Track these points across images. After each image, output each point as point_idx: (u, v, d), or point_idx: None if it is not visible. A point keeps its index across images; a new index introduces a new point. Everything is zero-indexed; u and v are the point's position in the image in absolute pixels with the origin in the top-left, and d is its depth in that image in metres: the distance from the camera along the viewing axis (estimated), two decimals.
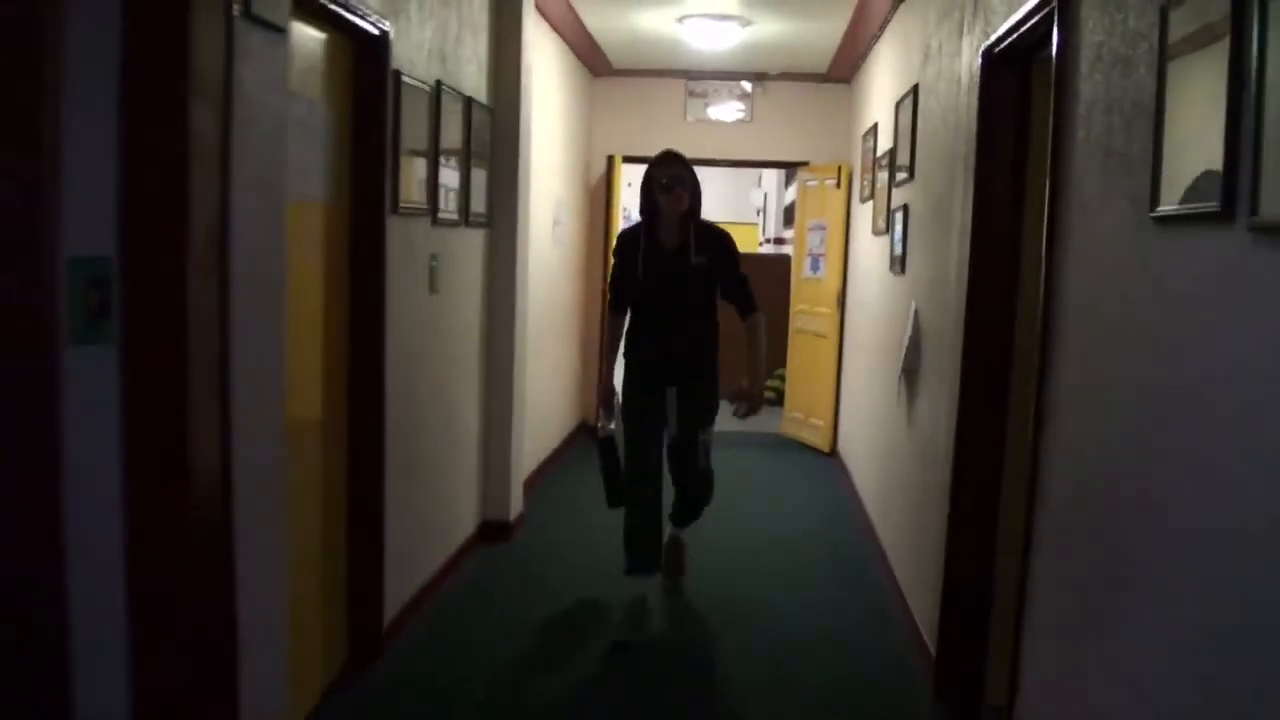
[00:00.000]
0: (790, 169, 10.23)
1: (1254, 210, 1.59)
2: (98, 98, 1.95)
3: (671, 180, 4.12)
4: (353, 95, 3.40)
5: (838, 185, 7.67)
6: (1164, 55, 1.95)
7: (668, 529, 4.57)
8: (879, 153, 5.94)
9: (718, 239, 4.24)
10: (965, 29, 3.79)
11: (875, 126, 6.21)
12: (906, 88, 5.03)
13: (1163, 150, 1.94)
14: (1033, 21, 2.86)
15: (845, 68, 7.55)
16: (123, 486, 2.06)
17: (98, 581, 2.01)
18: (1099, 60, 2.34)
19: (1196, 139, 1.80)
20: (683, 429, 4.26)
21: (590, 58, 7.61)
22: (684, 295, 4.18)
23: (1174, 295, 1.90)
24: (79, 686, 1.95)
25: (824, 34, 6.63)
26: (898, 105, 5.26)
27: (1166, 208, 1.91)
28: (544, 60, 6.10)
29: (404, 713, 3.39)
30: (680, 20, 6.31)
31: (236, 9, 2.19)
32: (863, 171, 6.84)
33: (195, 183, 2.06)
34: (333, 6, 3.02)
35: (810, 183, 8.18)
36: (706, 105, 8.28)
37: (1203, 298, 1.79)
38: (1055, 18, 2.62)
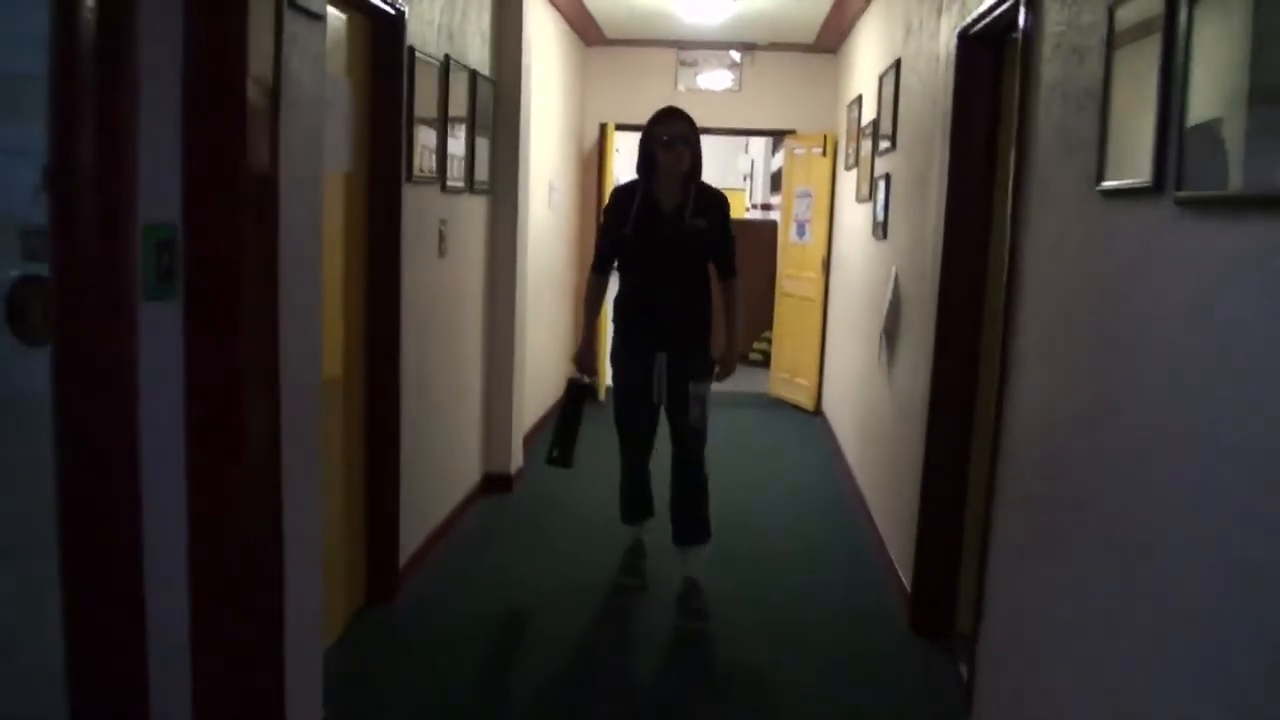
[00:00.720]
0: (778, 137, 10.44)
1: (1179, 186, 1.85)
2: (165, 81, 2.19)
3: (673, 137, 3.89)
4: (371, 71, 3.63)
5: (824, 154, 7.92)
6: (1110, 46, 2.21)
7: (676, 553, 4.32)
8: (863, 123, 6.18)
9: (716, 202, 4.06)
10: (944, 9, 4.03)
11: (860, 98, 6.44)
12: (889, 61, 5.27)
13: (1108, 131, 2.21)
14: (1004, 7, 3.11)
15: (832, 39, 7.77)
16: (186, 426, 2.32)
17: (165, 502, 2.27)
18: (1058, 48, 2.59)
19: (1135, 122, 2.06)
20: (673, 384, 4.04)
21: (584, 28, 7.80)
22: (678, 258, 3.99)
23: (1115, 259, 2.17)
24: (149, 590, 2.23)
25: (811, 6, 6.84)
26: (881, 78, 5.50)
27: (1109, 183, 2.17)
28: (539, 31, 6.30)
29: (418, 644, 3.67)
30: None
31: None
32: (848, 140, 7.08)
33: (251, 157, 2.31)
34: None
35: (797, 151, 8.42)
36: (697, 74, 8.49)
37: (1137, 261, 2.06)
38: (1022, 6, 2.87)
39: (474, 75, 4.75)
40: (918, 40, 4.58)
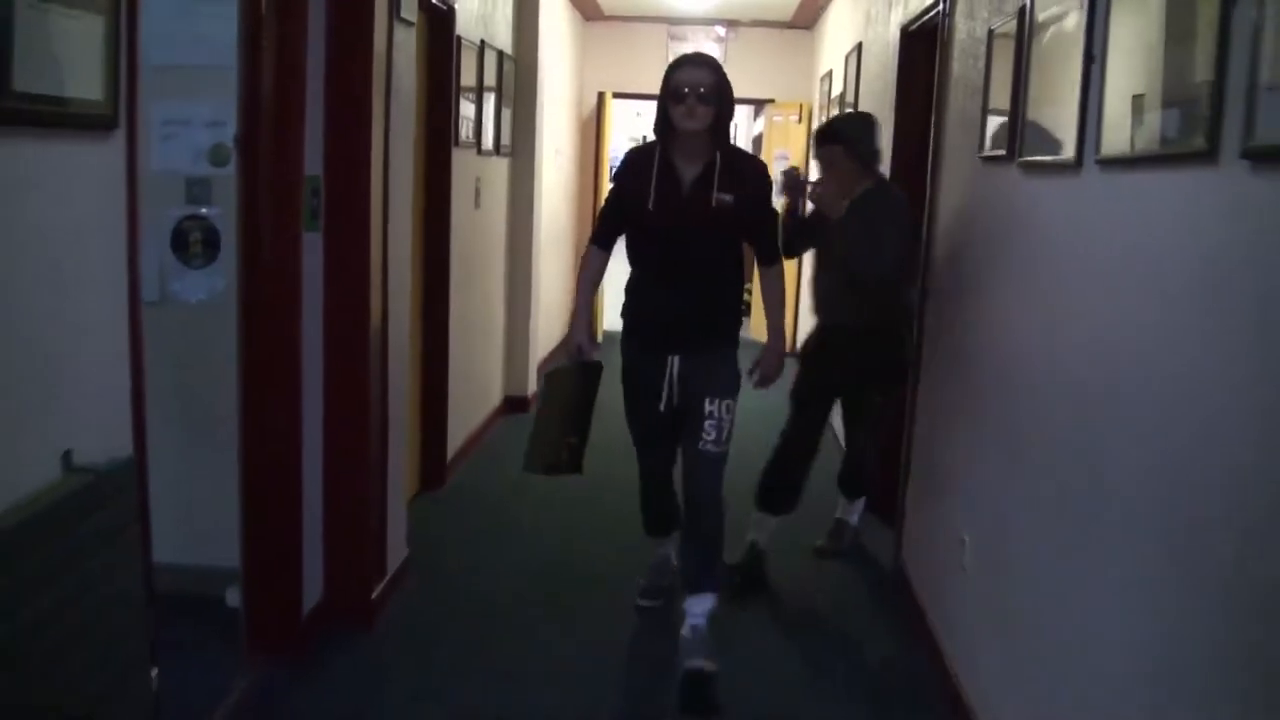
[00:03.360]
0: (759, 105, 11.28)
1: (1020, 154, 2.76)
2: (315, 74, 3.06)
3: (694, 88, 3.11)
4: (428, 57, 4.49)
5: (799, 120, 8.80)
6: (990, 54, 3.11)
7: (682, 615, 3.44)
8: (833, 95, 7.06)
9: (750, 171, 3.28)
10: (893, 4, 4.91)
11: (830, 72, 7.32)
12: (854, 43, 6.15)
13: (985, 115, 3.11)
14: (931, 14, 4.00)
15: (807, 17, 8.62)
16: (324, 322, 3.22)
17: (311, 376, 3.17)
18: (962, 52, 3.49)
19: (999, 108, 2.96)
20: (687, 397, 3.28)
21: (584, 4, 8.63)
22: (701, 240, 3.22)
23: (990, 205, 3.08)
24: (305, 453, 3.14)
25: None
26: (847, 57, 6.38)
27: (985, 152, 3.08)
28: (547, 10, 7.14)
29: (463, 516, 4.59)
30: None
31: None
32: (820, 109, 7.96)
33: (374, 130, 3.19)
34: None
35: (776, 118, 9.29)
36: (685, 47, 9.34)
37: (1001, 205, 2.97)
38: (941, 17, 3.76)
39: (500, 55, 5.61)
40: (875, 28, 5.46)
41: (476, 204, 5.28)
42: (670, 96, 3.16)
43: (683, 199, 3.21)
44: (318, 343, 3.20)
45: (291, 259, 3.00)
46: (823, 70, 7.91)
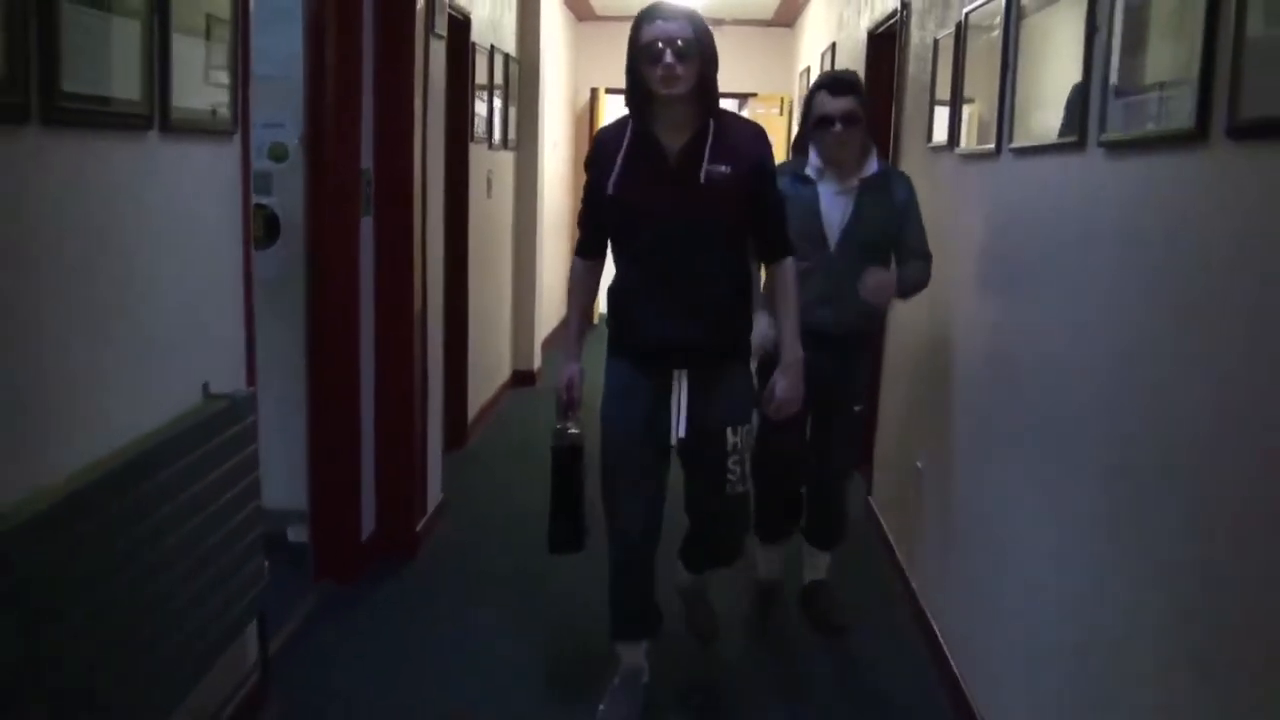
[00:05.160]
0: (743, 99, 11.84)
1: (958, 145, 3.33)
2: (366, 82, 3.61)
3: (669, 42, 2.53)
4: (448, 61, 5.03)
5: (780, 113, 9.37)
6: (936, 58, 3.68)
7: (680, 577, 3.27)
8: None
9: (749, 139, 2.73)
10: (861, 9, 5.48)
11: (808, 69, 7.89)
12: (828, 43, 6.72)
13: (933, 110, 3.68)
14: (892, 21, 4.56)
15: (787, 15, 9.18)
16: (374, 292, 3.78)
17: (365, 340, 3.73)
18: (915, 55, 4.06)
19: (943, 102, 3.53)
20: (700, 427, 2.76)
21: (578, 6, 9.18)
22: (697, 226, 2.65)
23: (937, 190, 3.65)
24: (361, 406, 3.70)
25: None
26: (822, 55, 6.95)
27: (932, 143, 3.65)
28: (545, 12, 7.68)
29: (483, 470, 5.17)
30: None
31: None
32: (800, 102, 8.52)
33: (416, 129, 3.75)
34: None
35: (759, 110, 9.85)
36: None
37: (946, 186, 3.54)
38: (899, 25, 4.33)
39: (507, 57, 6.17)
40: (846, 29, 6.03)
41: (488, 194, 5.84)
42: (642, 57, 2.57)
43: (668, 174, 2.63)
44: (370, 310, 3.75)
45: (351, 239, 3.56)
46: (801, 66, 8.48)
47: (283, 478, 3.75)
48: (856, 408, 3.45)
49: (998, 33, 2.90)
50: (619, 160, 2.67)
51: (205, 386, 2.49)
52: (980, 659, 2.89)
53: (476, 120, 5.41)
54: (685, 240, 2.66)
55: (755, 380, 3.02)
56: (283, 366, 3.67)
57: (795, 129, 3.78)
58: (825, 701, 3.13)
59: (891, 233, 3.26)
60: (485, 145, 5.70)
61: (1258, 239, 1.56)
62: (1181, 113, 1.79)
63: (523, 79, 6.73)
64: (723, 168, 2.63)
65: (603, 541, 2.92)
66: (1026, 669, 2.50)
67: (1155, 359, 1.90)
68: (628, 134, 2.69)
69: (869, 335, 3.53)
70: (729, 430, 2.74)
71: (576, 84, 9.81)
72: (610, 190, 2.68)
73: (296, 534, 3.92)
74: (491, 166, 5.91)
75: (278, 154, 3.86)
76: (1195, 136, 1.73)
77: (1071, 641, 2.23)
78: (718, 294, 2.73)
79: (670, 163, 2.66)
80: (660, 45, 2.55)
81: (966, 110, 3.28)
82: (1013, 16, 2.79)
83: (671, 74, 2.56)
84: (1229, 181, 1.67)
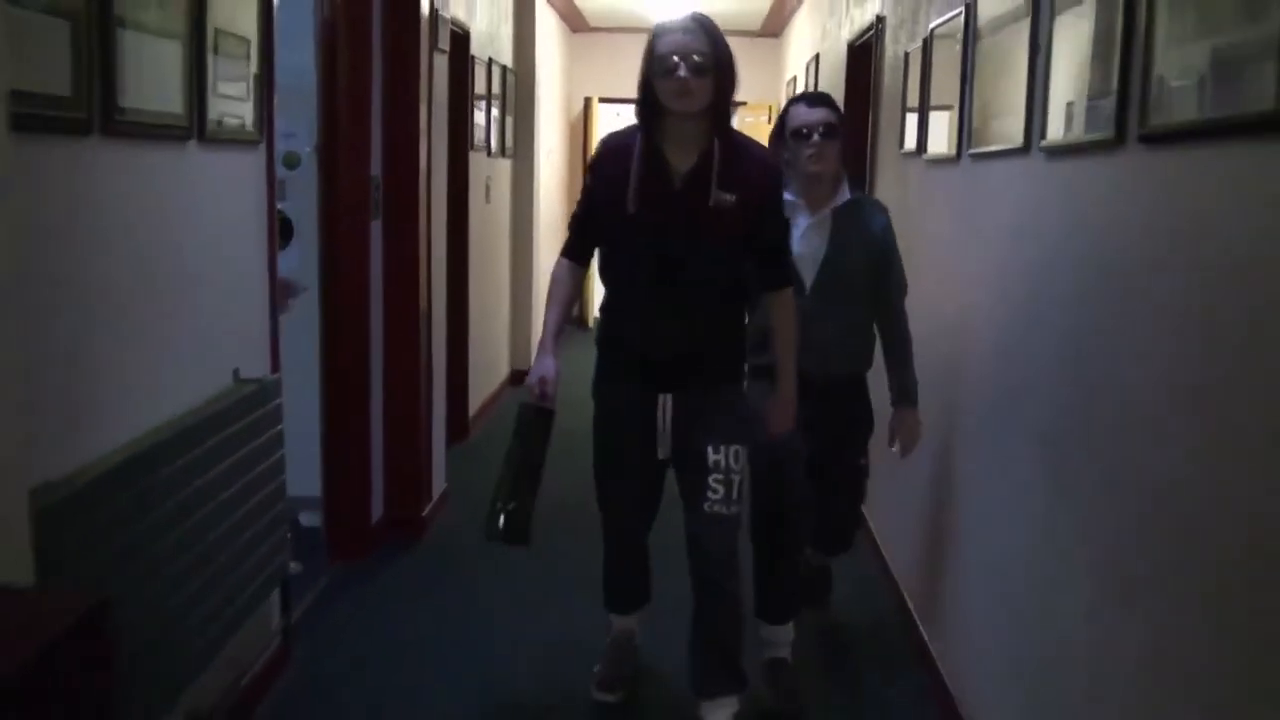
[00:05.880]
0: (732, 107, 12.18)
1: (926, 151, 3.59)
2: (375, 95, 3.87)
3: (685, 56, 2.48)
4: (448, 74, 5.29)
5: (769, 120, 9.64)
6: (906, 70, 3.94)
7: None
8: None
9: (758, 167, 2.65)
10: (842, 22, 5.75)
11: (795, 78, 8.17)
12: (812, 54, 6.99)
13: (904, 119, 3.95)
14: (869, 34, 4.84)
15: (774, 26, 9.46)
16: (384, 289, 4.03)
17: (375, 334, 3.98)
18: (889, 66, 4.33)
19: (914, 112, 3.80)
20: (684, 445, 2.72)
21: (571, 18, 9.45)
22: (697, 251, 2.61)
23: (907, 192, 3.91)
24: (371, 397, 3.95)
25: (756, 3, 8.53)
26: (807, 65, 7.22)
27: (904, 149, 3.92)
28: (541, 24, 7.95)
29: (484, 462, 5.34)
30: None
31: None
32: None
33: (421, 139, 4.01)
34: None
35: (748, 119, 10.12)
36: None
37: (915, 189, 3.80)
38: (875, 36, 4.60)
39: (504, 69, 6.43)
40: (829, 41, 6.31)
41: (487, 199, 6.10)
42: (656, 70, 2.51)
43: (673, 198, 2.56)
44: (379, 308, 4.01)
45: (362, 242, 3.81)
46: (788, 76, 8.76)
47: (296, 465, 3.99)
48: (860, 461, 3.18)
49: (959, 48, 3.17)
50: (626, 177, 2.57)
51: (236, 372, 2.74)
52: (930, 584, 3.15)
53: (476, 130, 5.67)
54: (681, 263, 2.58)
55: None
56: (297, 361, 3.91)
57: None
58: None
59: (869, 268, 3.05)
60: (484, 153, 5.96)
61: (1163, 230, 1.82)
62: (1105, 122, 2.05)
63: (519, 89, 7.00)
64: (729, 196, 2.55)
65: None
66: (967, 586, 2.77)
67: (1091, 336, 2.16)
68: (636, 147, 2.59)
69: (858, 380, 3.19)
70: (710, 449, 2.64)
71: (570, 93, 10.08)
72: (610, 207, 2.62)
73: (309, 519, 4.16)
74: (490, 174, 6.17)
75: (291, 161, 4.11)
76: (1115, 142, 1.99)
77: (1021, 577, 2.49)
78: (713, 316, 2.67)
79: (675, 185, 2.57)
80: (676, 59, 2.48)
81: (933, 119, 3.54)
82: (970, 35, 3.06)
83: (685, 89, 2.47)
84: (1140, 180, 1.93)
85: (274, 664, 3.05)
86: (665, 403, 2.70)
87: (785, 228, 2.74)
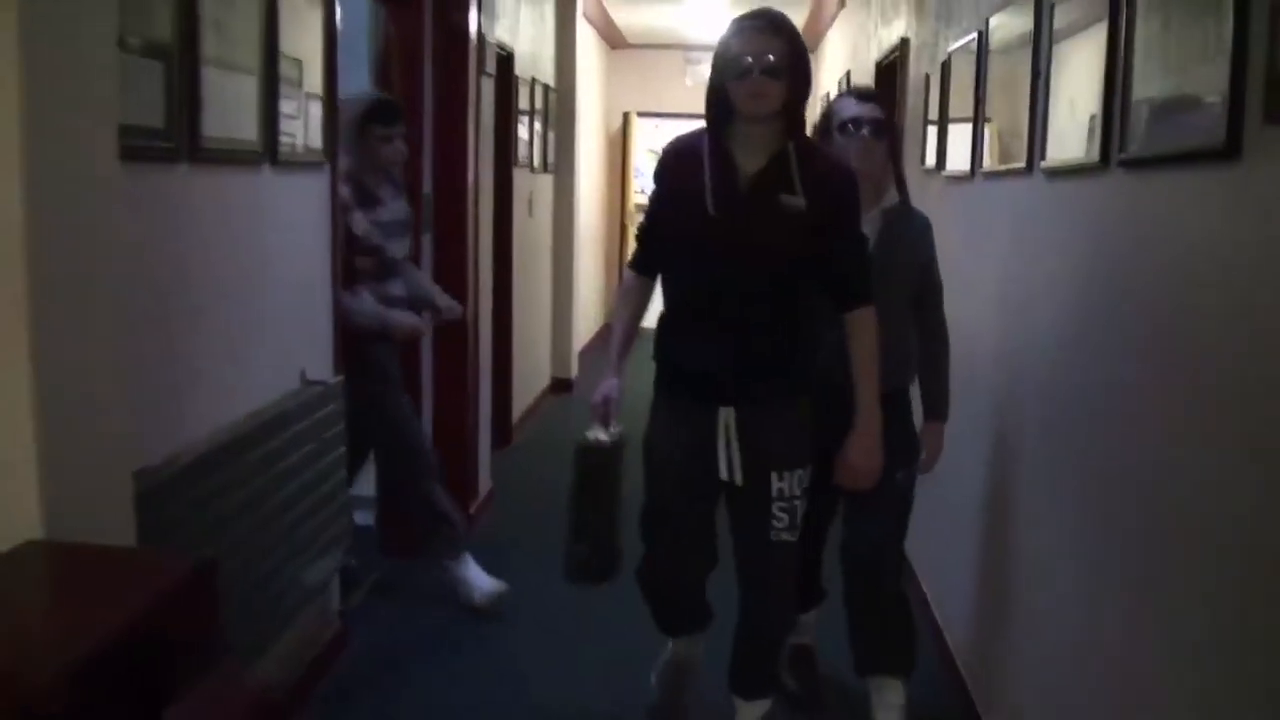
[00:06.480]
0: None
1: (945, 168, 3.80)
2: (426, 119, 4.14)
3: (759, 58, 2.36)
4: (494, 95, 5.56)
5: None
6: (927, 90, 4.15)
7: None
8: None
9: (832, 173, 2.51)
10: (870, 42, 5.96)
11: (828, 93, 8.36)
12: (844, 70, 7.21)
13: (925, 137, 4.15)
14: (894, 55, 5.04)
15: (810, 42, 9.66)
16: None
17: (426, 342, 4.25)
18: (912, 87, 4.54)
19: (934, 130, 4.00)
20: (745, 471, 2.54)
21: (611, 35, 9.73)
22: (766, 257, 2.47)
23: (930, 205, 4.12)
24: (422, 402, 4.21)
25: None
26: (839, 81, 7.43)
27: (925, 166, 4.13)
28: (581, 43, 8.23)
29: (527, 465, 5.67)
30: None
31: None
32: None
33: (469, 158, 4.27)
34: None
35: None
36: (701, 70, 10.42)
37: (935, 205, 4.00)
38: (900, 57, 4.81)
39: (546, 88, 6.70)
40: (859, 59, 6.52)
41: (530, 213, 6.37)
42: (728, 72, 2.40)
43: (740, 201, 2.44)
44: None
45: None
46: (820, 92, 8.95)
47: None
48: (897, 474, 2.76)
49: (973, 71, 3.38)
50: (695, 182, 2.44)
51: (302, 373, 3.01)
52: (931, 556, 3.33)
53: (519, 146, 5.93)
54: (744, 270, 2.45)
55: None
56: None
57: None
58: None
59: (915, 274, 2.89)
60: (527, 169, 6.22)
61: (1146, 244, 2.03)
62: (1092, 147, 2.26)
63: (560, 107, 7.27)
64: (799, 200, 2.41)
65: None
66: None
67: (1087, 342, 2.36)
68: (708, 154, 2.46)
69: (901, 395, 2.86)
70: (774, 475, 2.50)
71: (609, 108, 10.35)
72: (680, 212, 2.50)
73: (362, 518, 4.42)
74: (532, 188, 6.44)
75: None
76: (1100, 166, 2.20)
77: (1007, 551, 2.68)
78: (772, 329, 2.49)
79: (741, 188, 2.44)
80: (749, 60, 2.36)
81: (951, 136, 3.75)
82: (983, 59, 3.27)
83: (758, 92, 2.36)
84: (1123, 199, 2.14)
85: (333, 647, 3.30)
86: (726, 421, 2.51)
87: (863, 240, 2.57)
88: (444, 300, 3.89)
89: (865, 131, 2.75)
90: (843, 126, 2.78)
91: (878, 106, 2.85)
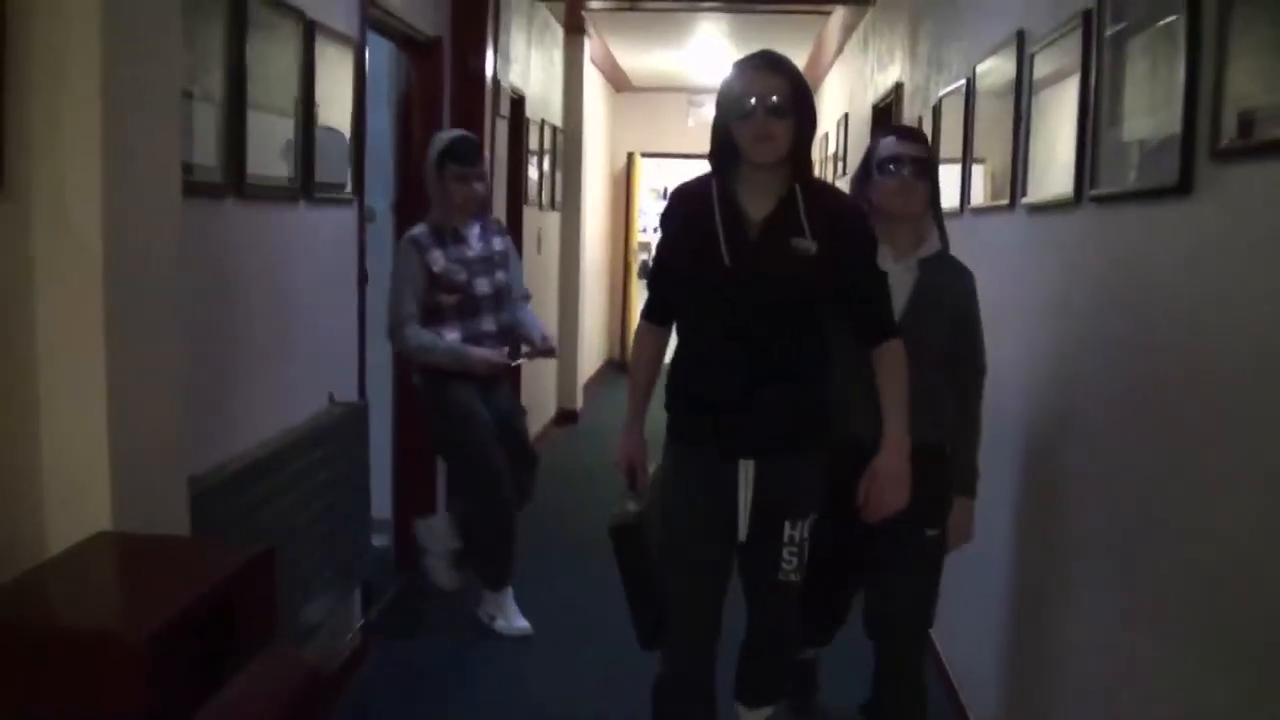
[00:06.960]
0: None
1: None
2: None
3: (763, 99, 2.32)
4: (506, 134, 5.79)
5: None
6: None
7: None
8: (829, 153, 8.36)
9: (842, 212, 2.49)
10: (867, 86, 6.20)
11: (827, 135, 8.62)
12: (842, 113, 7.45)
13: None
14: (890, 98, 5.27)
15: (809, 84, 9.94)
16: None
17: None
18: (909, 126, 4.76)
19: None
20: (760, 521, 2.49)
21: (616, 78, 10.01)
22: (770, 305, 2.42)
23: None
24: None
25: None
26: (838, 123, 7.68)
27: None
28: (588, 86, 8.49)
29: (537, 493, 5.81)
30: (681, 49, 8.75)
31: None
32: (820, 164, 9.25)
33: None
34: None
35: None
36: (704, 112, 10.69)
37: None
38: (894, 100, 5.04)
39: (555, 129, 6.94)
40: (856, 102, 6.76)
41: (538, 250, 6.58)
42: (733, 113, 2.36)
43: (749, 247, 2.39)
44: None
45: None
46: (820, 133, 9.21)
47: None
48: (929, 532, 2.65)
49: (959, 117, 3.59)
50: (704, 228, 2.39)
51: (330, 395, 3.20)
52: None
53: (529, 185, 6.16)
54: (757, 318, 2.39)
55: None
56: (371, 395, 4.37)
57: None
58: None
59: (952, 332, 2.67)
60: (536, 207, 6.45)
61: (1118, 271, 2.22)
62: (1066, 184, 2.46)
63: (567, 147, 7.51)
64: (810, 244, 2.36)
65: None
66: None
67: (1064, 355, 2.55)
68: (716, 198, 2.42)
69: (933, 452, 2.62)
70: (788, 523, 2.47)
71: (614, 149, 10.62)
72: (688, 259, 2.44)
73: (378, 539, 4.59)
74: (541, 225, 6.66)
75: (368, 216, 4.60)
76: (1073, 202, 2.40)
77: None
78: (789, 377, 2.42)
79: (750, 234, 2.39)
80: (753, 102, 2.31)
81: (943, 176, 3.95)
82: (970, 103, 3.48)
83: (764, 134, 2.32)
84: (1093, 232, 2.34)
85: (355, 657, 3.46)
86: (745, 475, 2.44)
87: (881, 277, 2.49)
88: (539, 334, 3.93)
89: (906, 171, 2.63)
90: (882, 165, 2.67)
91: (921, 145, 2.73)
